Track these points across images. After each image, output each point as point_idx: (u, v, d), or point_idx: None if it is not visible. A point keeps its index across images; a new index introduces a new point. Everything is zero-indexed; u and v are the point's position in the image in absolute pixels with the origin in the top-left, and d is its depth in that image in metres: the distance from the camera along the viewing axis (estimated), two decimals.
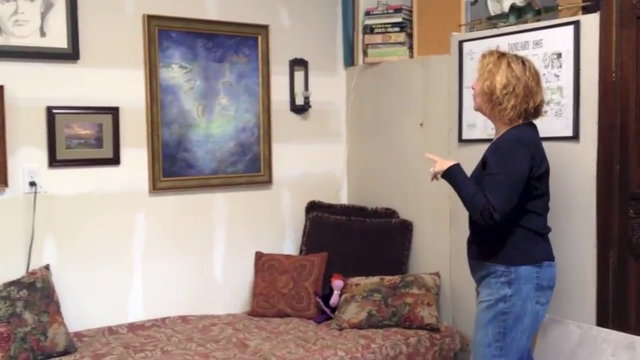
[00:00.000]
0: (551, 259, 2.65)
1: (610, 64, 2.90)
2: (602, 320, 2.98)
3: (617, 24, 2.88)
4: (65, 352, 3.07)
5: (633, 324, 2.90)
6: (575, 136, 3.01)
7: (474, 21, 3.57)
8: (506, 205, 2.48)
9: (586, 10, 3.05)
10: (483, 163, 2.64)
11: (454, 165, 2.67)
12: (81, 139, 3.38)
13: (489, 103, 2.63)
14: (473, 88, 2.72)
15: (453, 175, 2.66)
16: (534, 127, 2.68)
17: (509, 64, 2.58)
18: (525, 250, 2.58)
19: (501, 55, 2.64)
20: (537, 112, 2.65)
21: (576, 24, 3.01)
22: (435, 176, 2.75)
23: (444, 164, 2.69)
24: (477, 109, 2.75)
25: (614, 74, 2.89)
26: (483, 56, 2.68)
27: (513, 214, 2.52)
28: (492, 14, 3.49)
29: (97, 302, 3.45)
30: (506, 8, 3.41)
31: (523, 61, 2.61)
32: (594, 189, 2.95)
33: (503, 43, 3.27)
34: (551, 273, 2.63)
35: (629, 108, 2.85)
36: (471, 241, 2.76)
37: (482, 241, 2.67)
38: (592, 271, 2.97)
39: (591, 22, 2.97)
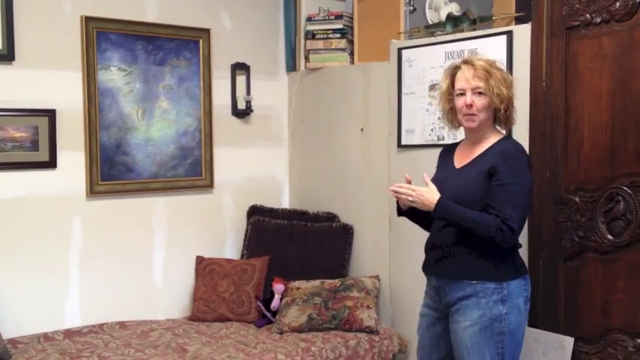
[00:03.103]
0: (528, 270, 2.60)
1: (540, 73, 3.01)
2: (533, 321, 3.08)
3: (548, 34, 2.99)
4: None
5: (562, 324, 3.01)
6: None
7: (413, 29, 3.64)
8: (523, 217, 2.41)
9: (519, 20, 3.15)
10: (489, 173, 2.43)
11: (442, 199, 2.44)
12: (16, 142, 3.31)
13: (506, 112, 2.49)
14: (471, 105, 2.46)
15: (445, 208, 2.43)
16: None
17: (503, 72, 2.51)
18: (514, 263, 2.49)
19: (491, 62, 2.51)
20: None
21: (509, 34, 3.11)
22: (405, 206, 2.57)
23: (427, 198, 2.45)
24: (479, 125, 2.50)
25: (544, 83, 3.00)
26: (482, 68, 2.46)
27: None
28: (430, 23, 3.57)
29: (32, 308, 3.38)
30: (443, 17, 3.50)
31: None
32: None
33: (440, 52, 3.37)
34: (530, 284, 2.57)
35: (558, 116, 2.96)
36: (442, 260, 2.53)
37: (466, 258, 2.47)
38: None
39: (523, 32, 3.07)
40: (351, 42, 4.05)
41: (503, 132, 2.62)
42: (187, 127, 3.90)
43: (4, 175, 3.29)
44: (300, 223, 4.03)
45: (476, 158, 2.52)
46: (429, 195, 2.46)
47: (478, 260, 2.45)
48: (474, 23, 3.35)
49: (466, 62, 2.53)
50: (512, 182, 2.38)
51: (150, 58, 3.73)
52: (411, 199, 2.48)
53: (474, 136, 2.57)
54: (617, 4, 2.77)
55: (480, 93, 2.46)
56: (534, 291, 3.05)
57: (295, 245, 3.96)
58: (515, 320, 2.45)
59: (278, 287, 3.74)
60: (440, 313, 2.61)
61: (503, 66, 2.55)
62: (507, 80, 2.50)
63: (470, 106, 2.47)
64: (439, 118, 3.38)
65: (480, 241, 2.40)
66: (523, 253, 3.01)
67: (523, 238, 3.04)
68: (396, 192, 2.52)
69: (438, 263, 2.56)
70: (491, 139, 2.53)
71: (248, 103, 4.15)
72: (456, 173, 2.57)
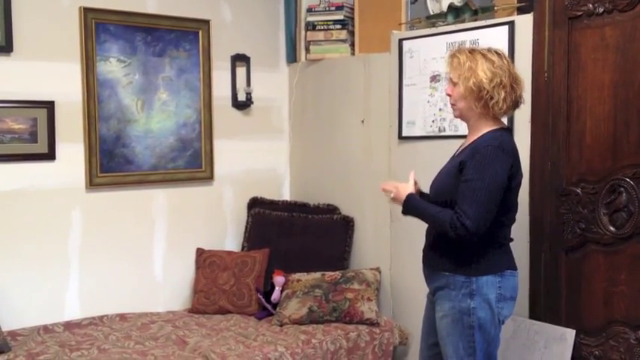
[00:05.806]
0: (513, 268, 2.50)
1: (542, 63, 2.99)
2: (535, 313, 3.07)
3: (550, 25, 2.97)
4: None
5: (564, 316, 2.99)
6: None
7: (414, 20, 3.62)
8: (482, 214, 2.30)
9: (520, 10, 3.12)
10: (460, 167, 2.41)
11: (408, 196, 2.52)
12: (14, 134, 3.30)
13: (479, 101, 2.39)
14: (449, 95, 2.50)
15: (409, 203, 2.52)
16: (512, 133, 2.53)
17: (484, 57, 2.39)
18: (488, 260, 2.42)
19: (471, 50, 2.46)
20: (519, 102, 2.48)
21: (511, 24, 3.08)
22: (394, 200, 2.62)
23: (400, 194, 2.54)
24: (460, 115, 2.50)
25: (546, 74, 2.98)
26: (454, 56, 2.46)
27: (490, 224, 2.34)
28: (431, 13, 3.54)
29: (32, 300, 3.37)
30: (444, 8, 3.47)
31: (497, 52, 2.44)
32: (527, 185, 3.02)
33: (442, 42, 3.34)
34: (514, 282, 2.48)
35: (560, 107, 2.94)
36: (427, 250, 2.59)
37: (442, 250, 2.49)
38: (525, 266, 3.04)
39: (525, 23, 3.05)
40: (351, 33, 4.03)
41: (504, 122, 2.56)
42: (187, 118, 3.88)
43: (2, 167, 3.28)
44: (300, 215, 4.02)
45: (462, 151, 2.51)
46: (403, 191, 2.55)
47: (452, 253, 2.45)
48: (475, 14, 3.32)
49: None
50: (475, 178, 2.33)
51: (149, 50, 3.71)
52: (391, 195, 2.58)
53: (468, 127, 2.54)
54: None
55: (454, 83, 2.47)
56: (535, 283, 3.06)
57: (296, 237, 3.95)
58: (484, 316, 2.41)
59: (278, 279, 3.73)
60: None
61: (500, 55, 2.43)
62: (472, 68, 2.39)
63: (449, 95, 2.51)
64: (440, 110, 3.38)
65: None
66: (523, 245, 3.02)
67: (523, 230, 3.05)
68: (383, 189, 2.63)
69: (425, 253, 2.60)
70: (481, 131, 2.45)
71: (248, 94, 4.13)
72: (447, 165, 2.58)
